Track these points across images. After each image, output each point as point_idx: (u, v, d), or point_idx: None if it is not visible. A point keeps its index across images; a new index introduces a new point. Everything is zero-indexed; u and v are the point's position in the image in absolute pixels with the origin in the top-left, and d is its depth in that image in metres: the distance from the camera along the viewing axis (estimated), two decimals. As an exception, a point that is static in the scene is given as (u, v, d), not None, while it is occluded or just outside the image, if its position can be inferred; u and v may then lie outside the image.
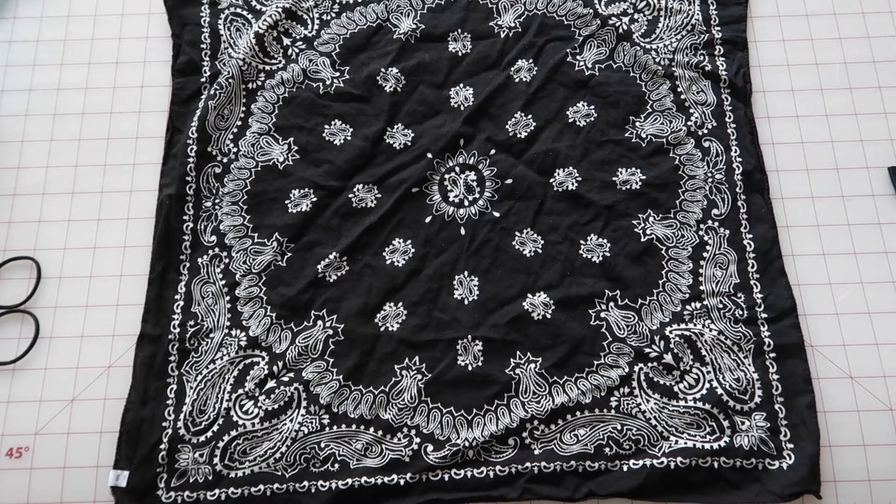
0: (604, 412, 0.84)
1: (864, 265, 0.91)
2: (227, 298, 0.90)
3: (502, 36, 1.02)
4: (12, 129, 1.00)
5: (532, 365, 0.86)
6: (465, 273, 0.91)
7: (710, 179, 0.94)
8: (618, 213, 0.93)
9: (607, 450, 0.82)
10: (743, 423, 0.83)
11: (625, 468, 0.81)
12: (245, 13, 1.04)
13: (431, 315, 0.89)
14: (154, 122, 0.99)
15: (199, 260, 0.91)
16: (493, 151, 0.97)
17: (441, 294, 0.90)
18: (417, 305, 0.89)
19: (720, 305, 0.88)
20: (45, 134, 0.99)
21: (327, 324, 0.89)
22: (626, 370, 0.86)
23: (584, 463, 0.82)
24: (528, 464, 0.82)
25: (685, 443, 0.82)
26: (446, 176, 0.96)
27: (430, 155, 0.96)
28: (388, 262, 0.91)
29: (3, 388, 0.87)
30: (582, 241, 0.92)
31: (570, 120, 0.98)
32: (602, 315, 0.88)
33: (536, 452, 0.82)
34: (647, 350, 0.86)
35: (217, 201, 0.94)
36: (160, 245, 0.91)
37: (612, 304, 0.89)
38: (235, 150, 0.97)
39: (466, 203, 0.94)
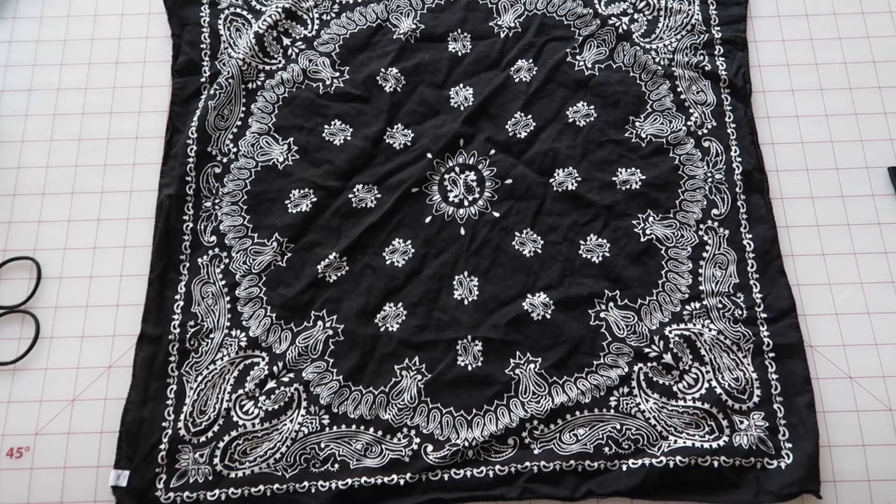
0: (603, 412, 0.84)
1: (863, 265, 0.91)
2: (227, 299, 0.90)
3: (502, 36, 1.02)
4: (12, 129, 1.00)
5: (532, 365, 0.86)
6: (465, 273, 0.91)
7: (709, 179, 0.94)
8: (617, 213, 0.93)
9: (607, 449, 0.82)
10: (742, 422, 0.83)
11: (624, 468, 0.81)
12: (245, 13, 1.04)
13: (431, 315, 0.89)
14: (154, 122, 0.99)
15: (199, 260, 0.91)
16: (492, 151, 0.97)
17: (441, 294, 0.90)
18: (417, 306, 0.89)
19: (720, 305, 0.88)
20: (45, 134, 0.99)
21: (327, 324, 0.89)
22: (626, 370, 0.86)
23: (584, 462, 0.82)
24: (527, 463, 0.82)
25: (684, 442, 0.82)
26: (446, 176, 0.96)
27: (429, 155, 0.96)
28: (388, 263, 0.91)
29: (4, 388, 0.87)
30: (582, 242, 0.92)
31: (570, 120, 0.98)
32: (602, 315, 0.89)
33: (536, 452, 0.83)
34: (647, 350, 0.86)
35: (217, 201, 0.94)
36: (160, 245, 0.91)
37: (611, 304, 0.89)
38: (235, 150, 0.97)
39: (466, 203, 0.94)
